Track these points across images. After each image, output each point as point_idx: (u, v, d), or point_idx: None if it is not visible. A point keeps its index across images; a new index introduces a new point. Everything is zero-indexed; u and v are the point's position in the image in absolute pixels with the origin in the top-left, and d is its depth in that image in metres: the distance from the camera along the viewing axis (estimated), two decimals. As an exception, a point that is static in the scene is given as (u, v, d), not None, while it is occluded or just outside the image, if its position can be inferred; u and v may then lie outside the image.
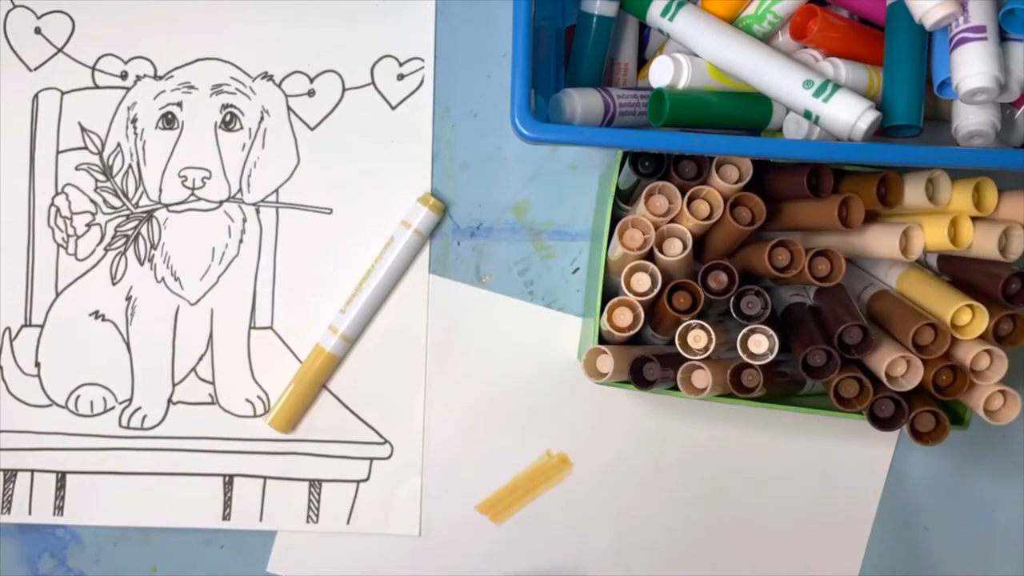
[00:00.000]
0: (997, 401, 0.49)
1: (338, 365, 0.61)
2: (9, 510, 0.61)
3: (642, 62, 0.58)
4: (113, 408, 0.61)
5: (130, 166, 0.61)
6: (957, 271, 0.52)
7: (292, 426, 0.61)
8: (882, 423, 0.49)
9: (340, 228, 0.61)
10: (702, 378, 0.49)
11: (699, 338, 0.49)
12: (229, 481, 0.61)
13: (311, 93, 0.62)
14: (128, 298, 0.61)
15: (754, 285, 0.49)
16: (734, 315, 0.49)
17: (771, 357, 0.48)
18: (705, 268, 0.49)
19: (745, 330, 0.48)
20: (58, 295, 0.61)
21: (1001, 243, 0.49)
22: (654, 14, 0.52)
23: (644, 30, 0.58)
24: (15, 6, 0.62)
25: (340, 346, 0.60)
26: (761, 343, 0.48)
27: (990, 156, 0.47)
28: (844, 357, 0.48)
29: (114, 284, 0.62)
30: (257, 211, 0.62)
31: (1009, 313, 0.49)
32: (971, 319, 0.49)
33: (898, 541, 0.62)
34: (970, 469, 0.62)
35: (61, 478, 0.61)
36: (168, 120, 0.61)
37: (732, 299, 0.49)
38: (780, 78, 0.48)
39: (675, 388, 0.50)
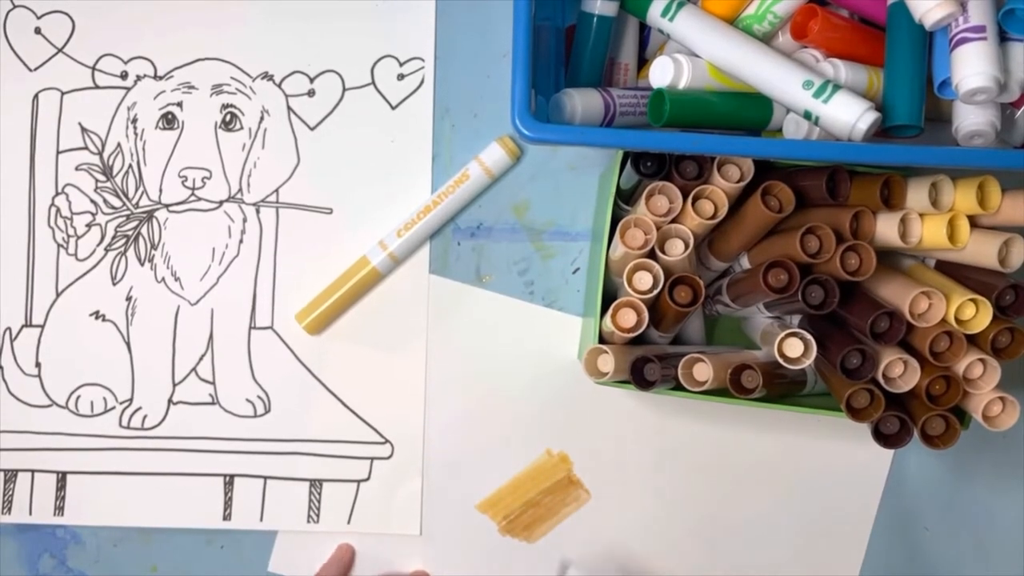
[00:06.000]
0: (996, 407, 0.49)
1: (377, 283, 0.61)
2: (9, 510, 0.61)
3: (642, 62, 0.58)
4: (113, 408, 0.61)
5: (130, 166, 0.61)
6: (953, 278, 0.52)
7: (320, 330, 0.61)
8: (887, 440, 0.49)
9: (340, 228, 0.61)
10: (703, 371, 0.49)
11: (795, 347, 0.49)
12: (229, 481, 0.61)
13: (311, 93, 0.62)
14: (128, 298, 0.61)
15: (820, 275, 0.49)
16: (803, 304, 0.49)
17: (807, 363, 0.48)
18: (767, 266, 0.49)
19: (783, 334, 0.48)
20: (58, 295, 0.61)
21: (1001, 253, 0.49)
22: (654, 14, 0.52)
23: (644, 30, 0.58)
24: (15, 6, 0.62)
25: (386, 264, 0.60)
26: (796, 347, 0.48)
27: (990, 156, 0.47)
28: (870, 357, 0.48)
29: (114, 284, 0.62)
30: (257, 211, 0.62)
31: (1008, 326, 0.49)
32: (976, 314, 0.49)
33: (898, 541, 0.62)
34: (970, 470, 0.62)
35: (61, 478, 0.61)
36: (168, 120, 0.61)
37: (799, 291, 0.48)
38: (780, 79, 0.48)
39: (675, 388, 0.50)
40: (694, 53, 0.51)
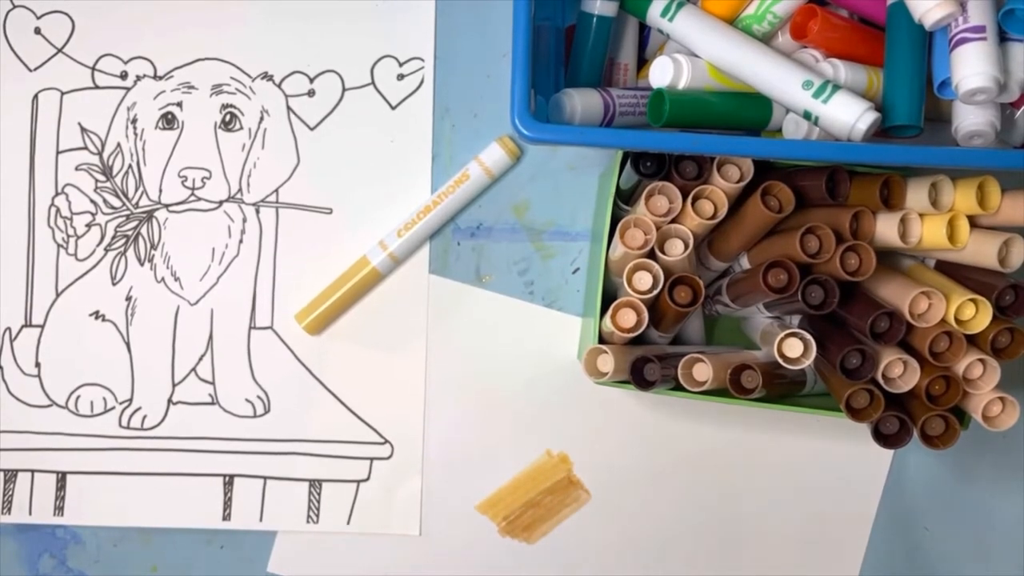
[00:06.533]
0: (996, 407, 0.49)
1: (377, 283, 0.61)
2: (9, 510, 0.61)
3: (642, 62, 0.58)
4: (113, 408, 0.61)
5: (130, 166, 0.61)
6: (953, 278, 0.52)
7: (320, 330, 0.61)
8: (887, 440, 0.49)
9: (340, 228, 0.61)
10: (703, 371, 0.49)
11: (795, 347, 0.49)
12: (229, 481, 0.61)
13: (311, 93, 0.62)
14: (128, 298, 0.61)
15: (820, 275, 0.49)
16: (803, 304, 0.49)
17: (807, 363, 0.48)
18: (766, 266, 0.49)
19: (783, 334, 0.48)
20: (58, 295, 0.61)
21: (1001, 253, 0.49)
22: (654, 14, 0.52)
23: (644, 30, 0.58)
24: (15, 6, 0.62)
25: (386, 264, 0.60)
26: (795, 347, 0.48)
27: (990, 156, 0.47)
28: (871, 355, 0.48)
29: (114, 284, 0.62)
30: (257, 211, 0.62)
31: (1008, 326, 0.49)
32: (975, 314, 0.49)
33: (898, 541, 0.62)
34: (970, 469, 0.62)
35: (61, 478, 0.61)
36: (168, 120, 0.61)
37: (798, 291, 0.48)
38: (779, 79, 0.48)
39: (675, 388, 0.50)
40: (694, 53, 0.51)
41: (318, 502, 0.61)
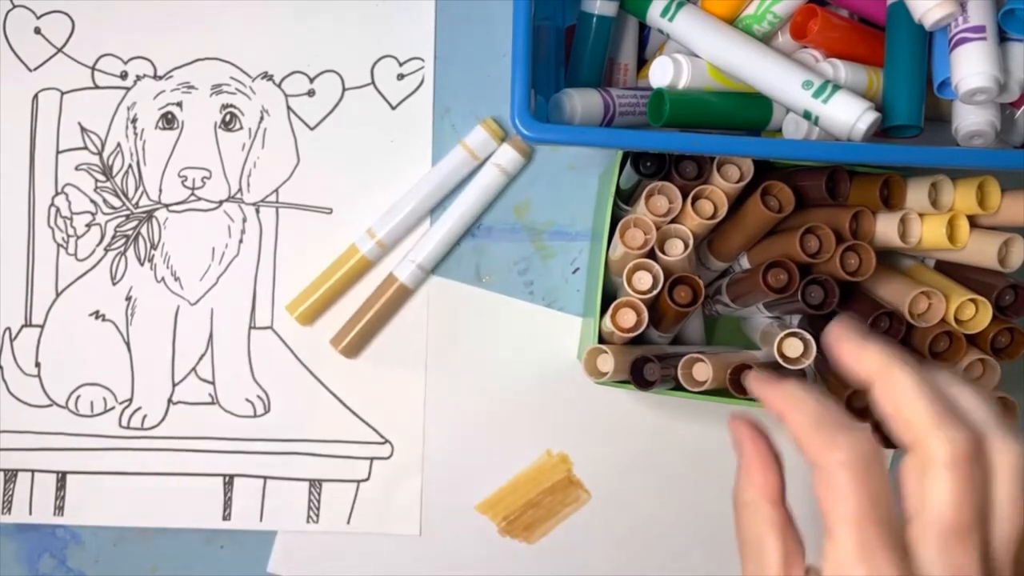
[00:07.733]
0: None
1: (367, 271, 0.61)
2: (9, 510, 0.61)
3: (642, 62, 0.58)
4: (113, 408, 0.61)
5: (130, 166, 0.61)
6: (953, 278, 0.52)
7: (311, 320, 0.61)
8: (887, 440, 0.49)
9: (340, 228, 0.61)
10: (703, 371, 0.49)
11: (795, 347, 0.49)
12: (229, 481, 0.61)
13: (311, 93, 0.62)
14: (128, 298, 0.62)
15: (820, 275, 0.49)
16: (803, 304, 0.49)
17: (807, 363, 0.48)
18: (766, 266, 0.49)
19: (783, 334, 0.48)
20: (58, 295, 0.61)
21: (1001, 253, 0.49)
22: (654, 14, 0.52)
23: (644, 30, 0.58)
24: (15, 6, 0.62)
25: (375, 252, 0.60)
26: (796, 347, 0.48)
27: (990, 156, 0.47)
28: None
29: (114, 284, 0.62)
30: (257, 211, 0.62)
31: (1008, 326, 0.49)
32: (975, 314, 0.49)
33: (898, 541, 0.62)
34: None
35: (61, 478, 0.61)
36: (168, 120, 0.61)
37: (798, 291, 0.48)
38: (779, 79, 0.48)
39: (675, 388, 0.50)
40: (694, 53, 0.51)
41: (318, 502, 0.61)
